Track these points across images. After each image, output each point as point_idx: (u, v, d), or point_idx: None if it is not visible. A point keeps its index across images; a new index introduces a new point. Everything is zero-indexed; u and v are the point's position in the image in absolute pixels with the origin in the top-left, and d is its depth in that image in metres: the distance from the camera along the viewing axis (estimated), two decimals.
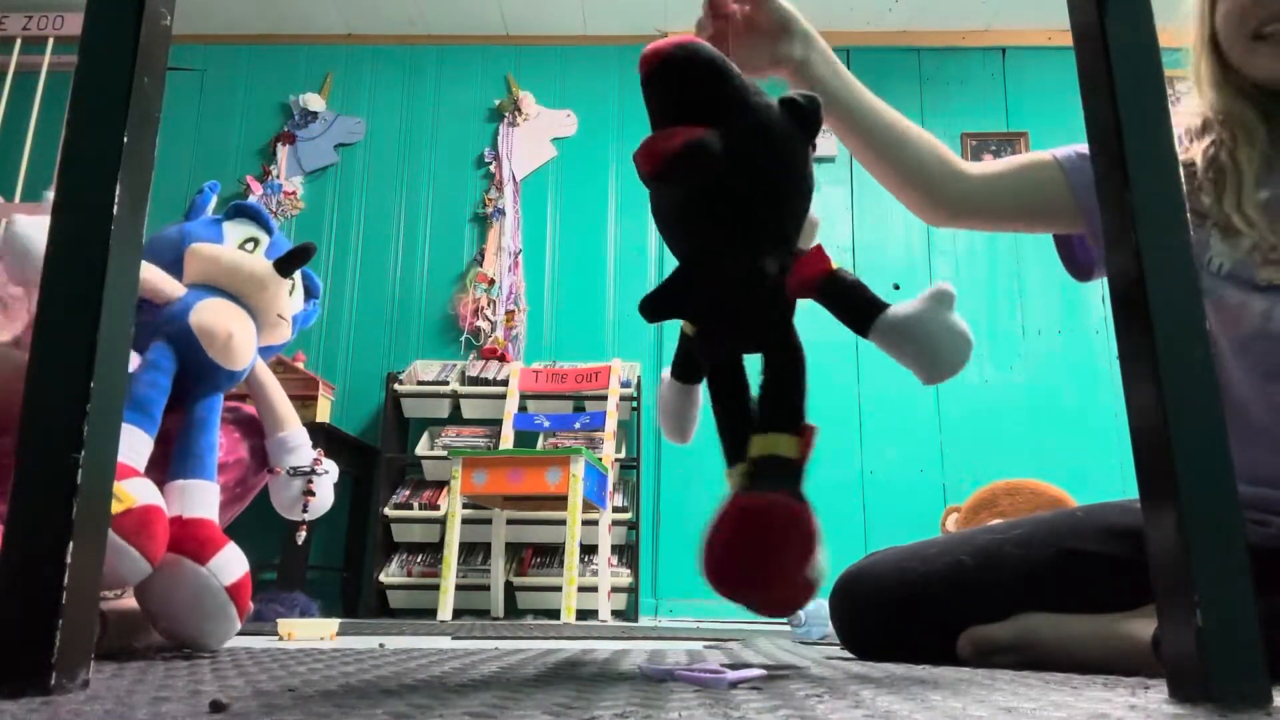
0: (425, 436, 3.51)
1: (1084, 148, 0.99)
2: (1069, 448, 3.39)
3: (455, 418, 3.51)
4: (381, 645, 1.19)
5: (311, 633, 1.56)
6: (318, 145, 3.91)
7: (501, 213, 3.82)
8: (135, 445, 0.91)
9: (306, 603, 2.64)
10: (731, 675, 0.60)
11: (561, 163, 3.90)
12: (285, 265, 1.01)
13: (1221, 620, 0.47)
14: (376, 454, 3.42)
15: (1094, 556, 0.94)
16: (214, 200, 1.15)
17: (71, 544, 0.48)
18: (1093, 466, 3.31)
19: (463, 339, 3.69)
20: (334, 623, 1.63)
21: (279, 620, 1.64)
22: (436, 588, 2.71)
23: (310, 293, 1.16)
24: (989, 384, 3.51)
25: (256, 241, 1.06)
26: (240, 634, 1.67)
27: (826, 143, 3.78)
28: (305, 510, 1.06)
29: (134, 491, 0.82)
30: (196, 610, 0.87)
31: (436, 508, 3.28)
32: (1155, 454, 0.51)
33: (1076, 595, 0.93)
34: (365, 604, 3.30)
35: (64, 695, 0.47)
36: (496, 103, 3.96)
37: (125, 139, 0.53)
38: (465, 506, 2.90)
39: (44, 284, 0.52)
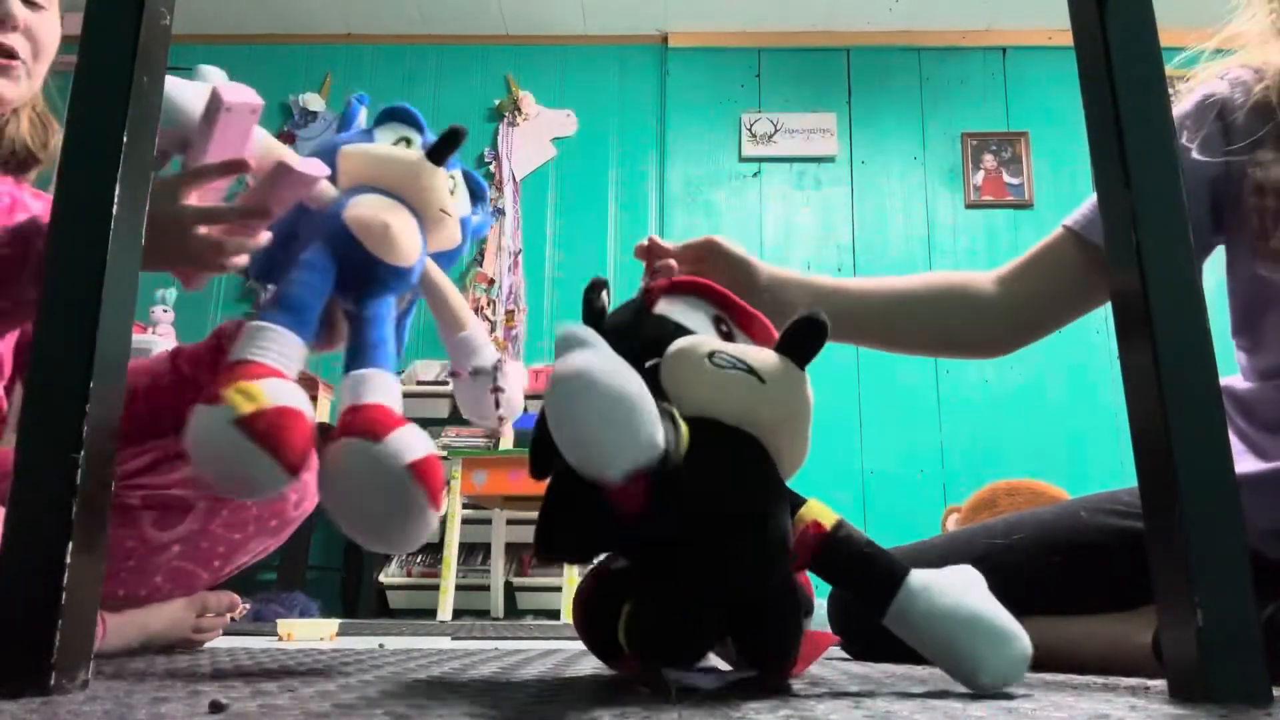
0: None
1: (1094, 200, 0.87)
2: (1069, 448, 3.39)
3: (455, 418, 3.51)
4: (381, 646, 1.19)
5: (311, 633, 1.56)
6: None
7: (501, 212, 3.82)
8: (282, 347, 0.81)
9: (306, 603, 2.64)
10: (723, 676, 0.60)
11: (561, 163, 3.90)
12: (437, 153, 0.90)
13: (1221, 620, 0.47)
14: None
15: (1094, 558, 0.94)
16: (363, 111, 1.08)
17: (71, 544, 0.48)
18: (1093, 466, 3.31)
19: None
20: (334, 623, 1.63)
21: (279, 620, 1.64)
22: (436, 588, 2.71)
23: (475, 194, 1.04)
24: (989, 384, 3.51)
25: (409, 141, 0.97)
26: (240, 634, 1.67)
27: (826, 142, 3.78)
28: (499, 406, 0.96)
29: (269, 392, 0.74)
30: (375, 494, 0.75)
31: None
32: (1156, 455, 0.51)
33: (1077, 596, 0.93)
34: (365, 604, 3.30)
35: (64, 695, 0.47)
36: (496, 102, 3.96)
37: (125, 139, 0.53)
38: (465, 507, 2.90)
39: (44, 283, 0.52)
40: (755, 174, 3.79)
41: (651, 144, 3.86)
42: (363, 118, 1.04)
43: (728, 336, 0.63)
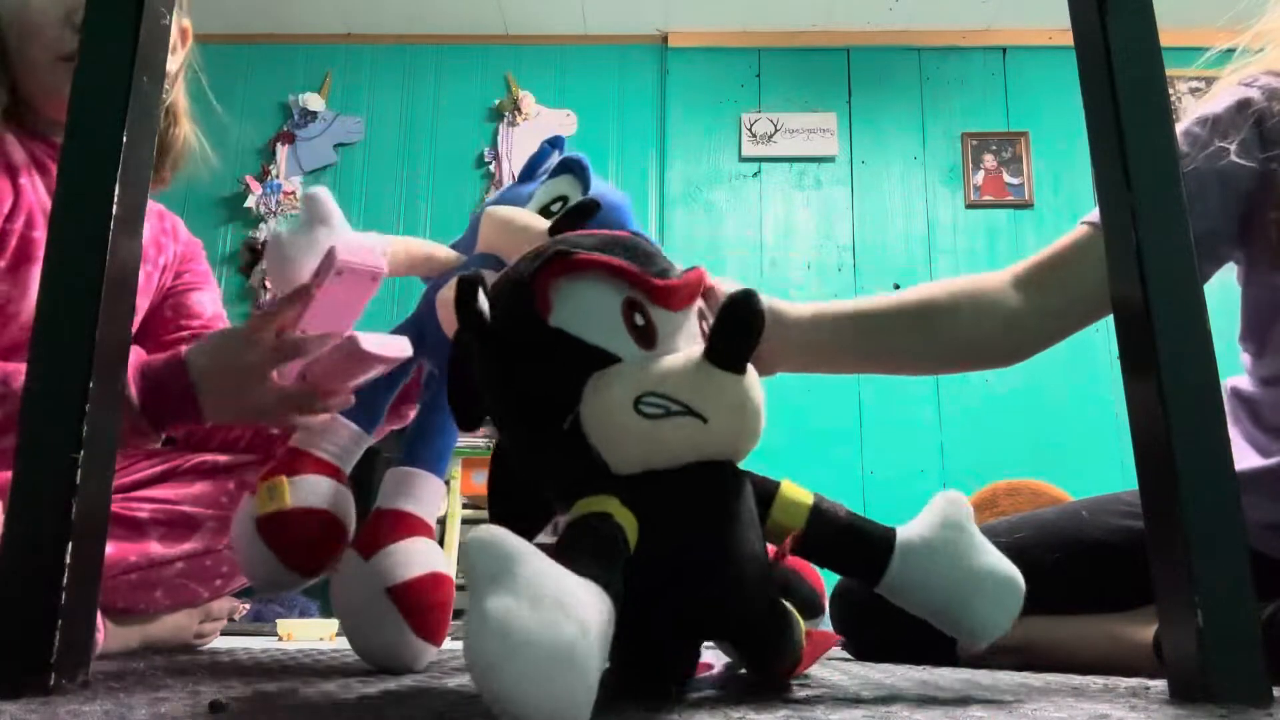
0: None
1: None
2: (1069, 448, 3.39)
3: None
4: None
5: (311, 633, 1.56)
6: (317, 145, 3.91)
7: None
8: (340, 440, 0.78)
9: (306, 603, 2.64)
10: (719, 668, 0.60)
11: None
12: (559, 228, 0.76)
13: (1222, 620, 0.47)
14: (376, 454, 3.41)
15: (1097, 560, 0.94)
16: (555, 156, 0.95)
17: (71, 544, 0.48)
18: (1093, 467, 3.30)
19: None
20: (334, 623, 1.63)
21: (278, 620, 1.64)
22: None
23: (584, 182, 0.90)
24: (989, 384, 3.51)
25: (566, 201, 0.85)
26: (240, 634, 1.67)
27: (826, 142, 3.78)
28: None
29: (298, 491, 0.72)
30: (357, 611, 0.73)
31: None
32: (1156, 455, 0.51)
33: (1077, 596, 0.93)
34: None
35: (63, 695, 0.47)
36: (496, 102, 3.96)
37: (125, 139, 0.53)
38: (465, 507, 2.89)
39: (43, 283, 0.52)
40: (755, 174, 3.79)
41: (651, 144, 3.85)
42: (554, 160, 0.93)
43: (646, 329, 0.52)
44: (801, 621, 0.58)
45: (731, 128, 3.83)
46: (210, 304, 1.16)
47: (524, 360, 0.52)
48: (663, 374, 0.49)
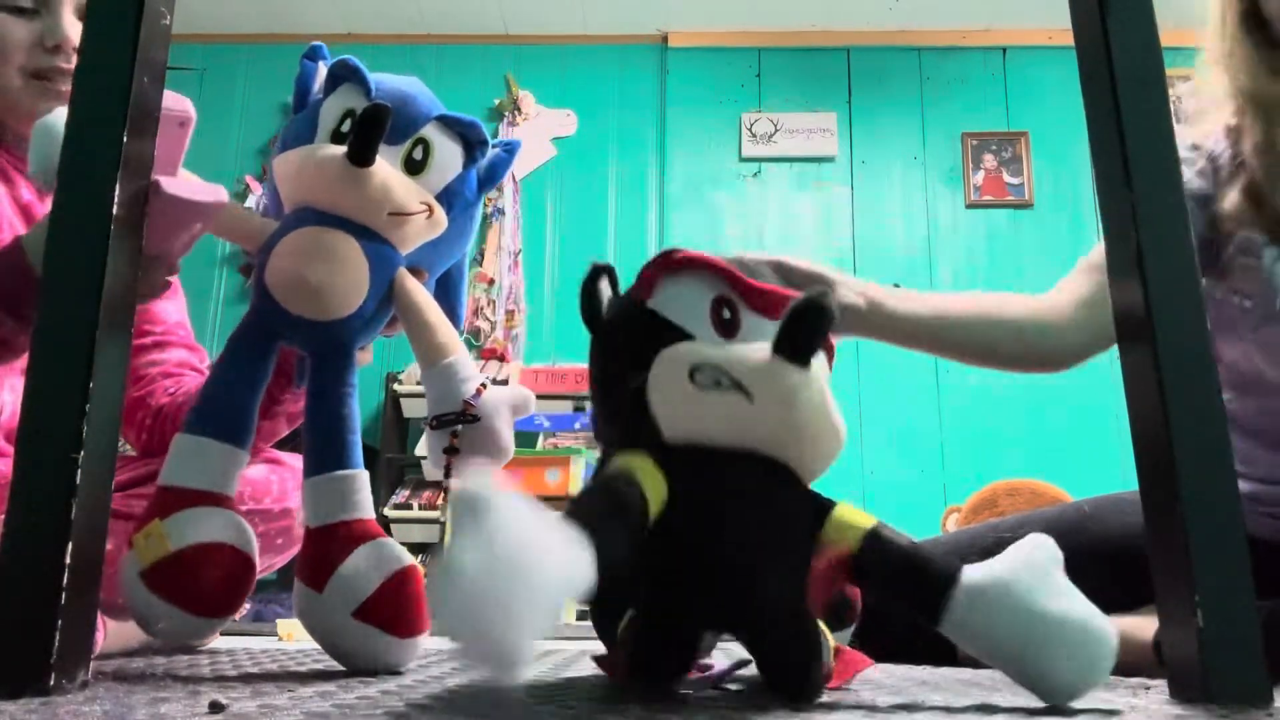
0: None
1: None
2: (1069, 448, 3.39)
3: None
4: None
5: None
6: None
7: (501, 212, 3.82)
8: (211, 463, 0.70)
9: None
10: (719, 668, 0.60)
11: (561, 162, 3.90)
12: (357, 151, 0.70)
13: (1222, 621, 0.47)
14: (376, 454, 3.42)
15: (1097, 559, 0.94)
16: (321, 70, 0.84)
17: (70, 545, 0.48)
18: (1093, 467, 3.30)
19: (462, 339, 3.69)
20: None
21: (278, 620, 1.64)
22: None
23: (468, 140, 0.82)
24: (989, 384, 3.51)
25: (354, 114, 0.76)
26: (240, 634, 1.67)
27: (826, 142, 3.78)
28: (448, 476, 0.75)
29: (179, 530, 0.66)
30: (334, 643, 0.69)
31: (436, 508, 3.28)
32: (1156, 455, 0.51)
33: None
34: None
35: (63, 695, 0.47)
36: (496, 102, 3.96)
37: (125, 139, 0.53)
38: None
39: (44, 283, 0.52)
40: (755, 174, 3.79)
41: (651, 144, 3.85)
42: (321, 78, 0.84)
43: (730, 322, 0.55)
44: (831, 638, 0.55)
45: (731, 128, 3.83)
46: (175, 311, 1.13)
47: (614, 332, 0.58)
48: (725, 353, 0.52)
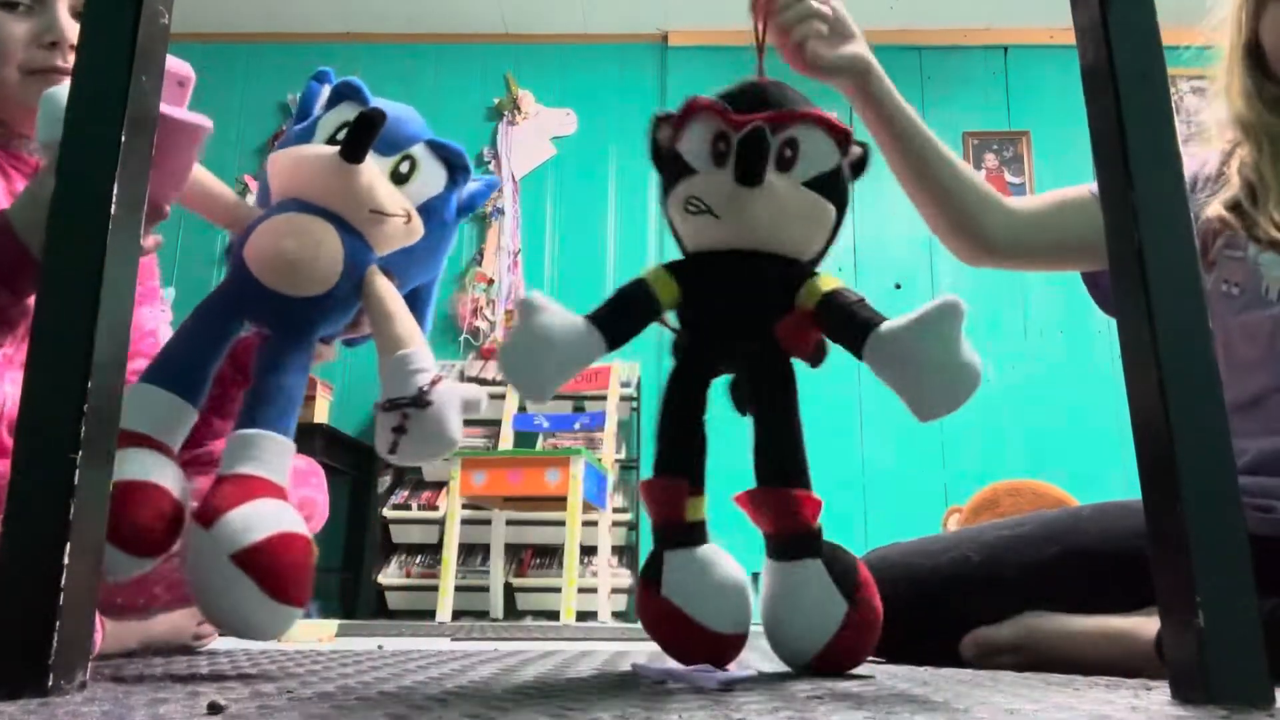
0: None
1: None
2: (1070, 448, 3.39)
3: None
4: (380, 647, 1.19)
5: (309, 634, 1.55)
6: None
7: (501, 212, 3.82)
8: (157, 411, 0.73)
9: None
10: (721, 676, 0.60)
11: (561, 162, 3.90)
12: (350, 147, 0.76)
13: (1223, 621, 0.47)
14: (375, 454, 3.42)
15: (1097, 556, 0.94)
16: (324, 91, 0.90)
17: (69, 545, 0.48)
18: (1094, 467, 3.30)
19: (462, 339, 3.68)
20: (332, 624, 1.63)
21: None
22: (435, 589, 2.71)
23: (452, 165, 0.88)
24: (990, 384, 3.49)
25: (349, 126, 0.82)
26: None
27: None
28: (393, 451, 0.78)
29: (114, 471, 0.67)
30: (205, 581, 0.69)
31: (435, 508, 3.28)
32: (1157, 455, 0.51)
33: (1080, 595, 0.93)
34: (364, 605, 3.29)
35: (62, 696, 0.47)
36: (495, 101, 3.96)
37: (123, 138, 0.53)
38: (464, 507, 2.89)
39: (43, 283, 0.52)
40: None
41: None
42: (324, 98, 0.90)
43: (723, 153, 0.72)
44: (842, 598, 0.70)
45: None
46: (150, 319, 1.12)
47: (661, 171, 0.78)
48: (703, 184, 0.72)
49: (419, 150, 0.85)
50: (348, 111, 0.83)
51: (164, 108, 0.68)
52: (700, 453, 0.73)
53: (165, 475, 0.70)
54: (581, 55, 4.00)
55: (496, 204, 3.82)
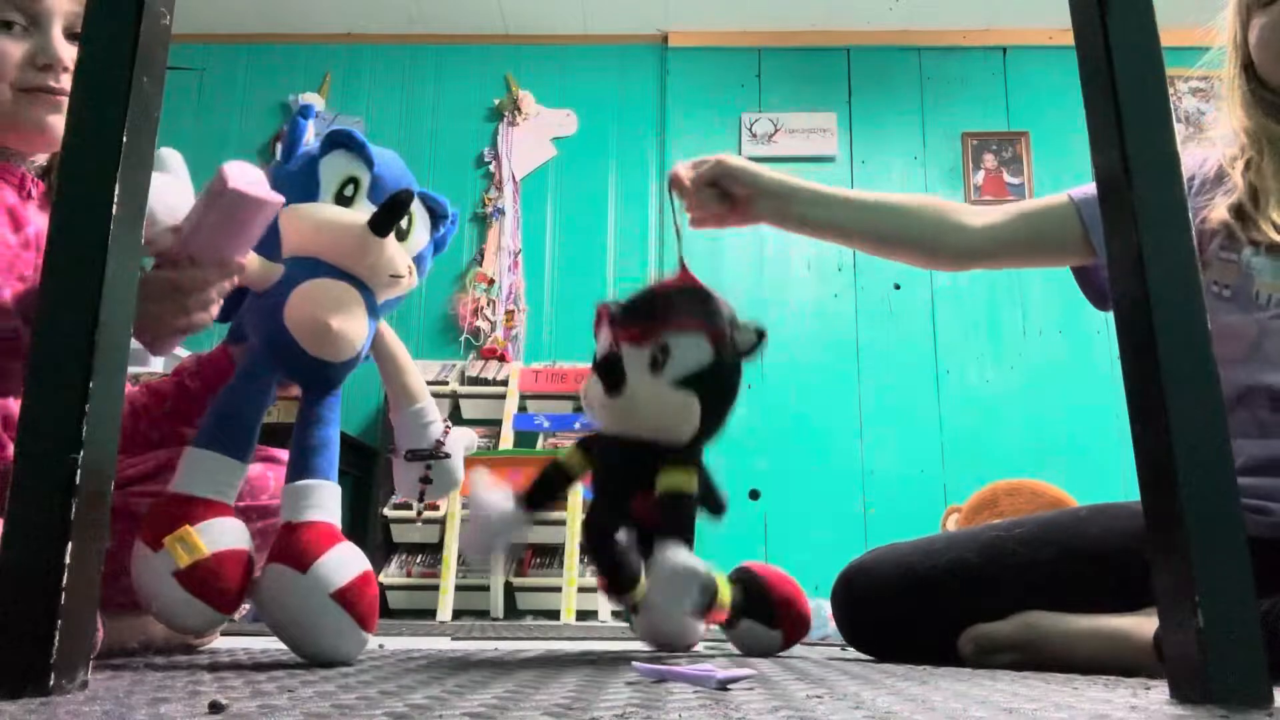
0: None
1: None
2: (1069, 448, 3.39)
3: (455, 418, 3.51)
4: (381, 646, 1.19)
5: None
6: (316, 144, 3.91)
7: (501, 212, 3.82)
8: (223, 476, 0.81)
9: None
10: (721, 675, 0.60)
11: (561, 162, 3.90)
12: (380, 224, 0.84)
13: (1222, 621, 0.47)
14: (376, 454, 3.42)
15: (1096, 557, 0.94)
16: (310, 128, 0.95)
17: (70, 545, 0.48)
18: (1093, 467, 3.30)
19: (462, 339, 3.68)
20: None
21: None
22: (436, 588, 2.71)
23: (435, 214, 0.97)
24: (989, 384, 3.51)
25: (357, 183, 0.89)
26: (239, 634, 1.67)
27: (827, 142, 3.78)
28: (421, 499, 0.95)
29: (210, 537, 0.77)
30: (304, 620, 0.78)
31: (436, 508, 3.28)
32: (1157, 455, 0.51)
33: (1079, 594, 0.93)
34: None
35: (63, 696, 0.47)
36: (496, 102, 3.96)
37: (125, 138, 0.53)
38: (465, 507, 2.90)
39: (44, 283, 0.52)
40: None
41: (651, 144, 3.85)
42: (310, 134, 0.96)
43: (611, 367, 0.85)
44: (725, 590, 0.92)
45: (732, 127, 3.83)
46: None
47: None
48: (589, 385, 0.89)
49: (414, 205, 0.93)
50: (349, 163, 0.89)
51: (248, 187, 0.78)
52: (621, 566, 0.89)
53: (246, 540, 0.80)
54: (581, 56, 4.00)
55: (496, 204, 3.82)
